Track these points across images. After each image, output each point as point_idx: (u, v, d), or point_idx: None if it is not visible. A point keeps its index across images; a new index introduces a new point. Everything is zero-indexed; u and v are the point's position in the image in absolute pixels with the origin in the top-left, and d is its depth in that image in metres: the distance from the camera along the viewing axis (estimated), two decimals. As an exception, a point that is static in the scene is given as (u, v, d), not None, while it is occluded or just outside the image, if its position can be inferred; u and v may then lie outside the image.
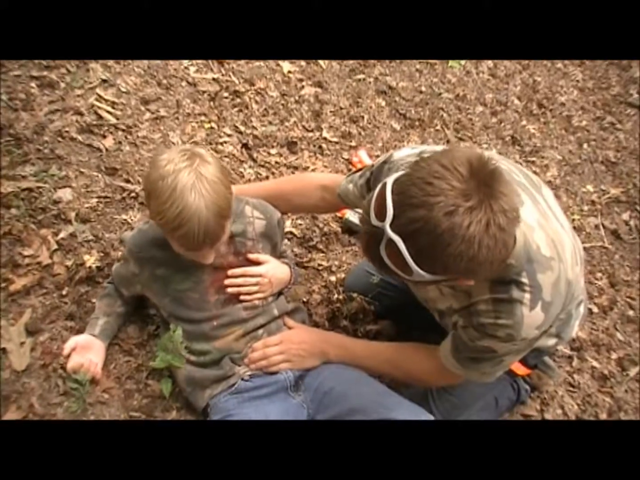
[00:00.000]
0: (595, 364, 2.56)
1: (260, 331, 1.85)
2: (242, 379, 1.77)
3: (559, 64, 4.31)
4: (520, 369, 1.95)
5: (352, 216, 2.49)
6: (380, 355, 1.85)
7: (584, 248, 3.01)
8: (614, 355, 2.64)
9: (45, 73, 2.48)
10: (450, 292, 1.63)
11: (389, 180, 1.26)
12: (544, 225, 1.48)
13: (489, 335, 1.52)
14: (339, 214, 2.54)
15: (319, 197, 1.97)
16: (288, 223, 2.39)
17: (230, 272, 1.83)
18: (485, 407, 1.99)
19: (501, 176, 1.23)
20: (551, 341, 1.86)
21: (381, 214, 1.23)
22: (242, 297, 1.83)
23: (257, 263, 1.88)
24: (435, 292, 1.71)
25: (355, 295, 2.20)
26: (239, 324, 1.82)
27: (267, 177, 2.56)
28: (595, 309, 2.82)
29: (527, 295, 1.44)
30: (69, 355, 1.78)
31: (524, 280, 1.43)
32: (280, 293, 1.97)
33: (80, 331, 1.87)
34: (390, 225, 1.21)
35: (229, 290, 1.82)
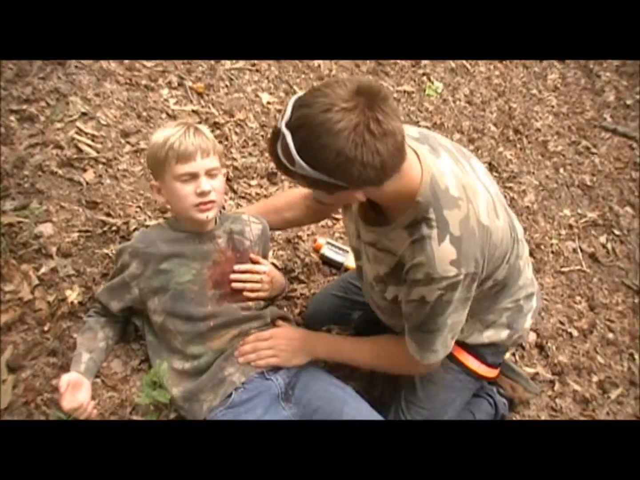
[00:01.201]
0: (576, 387, 2.58)
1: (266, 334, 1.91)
2: (236, 389, 1.80)
3: (534, 90, 4.39)
4: (482, 368, 1.98)
5: (328, 251, 2.57)
6: (363, 347, 1.92)
7: (562, 272, 3.07)
8: (595, 378, 2.67)
9: (24, 107, 2.46)
10: (376, 254, 1.72)
11: (296, 94, 1.42)
12: (458, 174, 1.58)
13: (412, 281, 1.58)
14: (315, 248, 2.59)
15: (303, 206, 2.12)
16: (270, 254, 2.41)
17: (236, 267, 1.93)
18: None
19: (387, 99, 1.35)
20: (503, 333, 1.92)
21: (282, 116, 1.39)
22: (245, 293, 1.92)
23: (256, 263, 1.99)
24: (365, 261, 1.80)
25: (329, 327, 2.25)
26: (234, 324, 1.88)
27: (247, 209, 2.55)
28: (575, 333, 2.85)
29: (434, 231, 1.52)
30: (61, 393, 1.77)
31: (431, 216, 1.52)
32: (273, 299, 2.07)
33: (62, 367, 1.86)
34: (285, 124, 1.36)
35: (234, 285, 1.91)
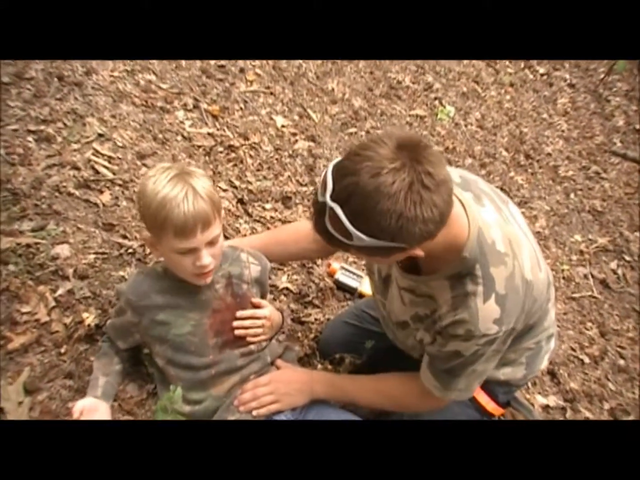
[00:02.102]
0: (588, 414, 2.58)
1: (254, 378, 1.86)
2: None
3: (544, 114, 4.41)
4: (490, 405, 1.96)
5: (342, 276, 2.57)
6: (365, 386, 1.88)
7: (574, 298, 3.07)
8: (606, 406, 2.67)
9: (42, 127, 2.49)
10: (413, 299, 1.67)
11: (332, 163, 1.35)
12: (502, 225, 1.54)
13: (451, 335, 1.55)
14: (329, 272, 2.59)
15: (311, 241, 2.02)
16: (284, 279, 2.42)
17: (239, 313, 1.86)
18: None
19: (428, 148, 1.30)
20: (520, 372, 1.89)
21: (324, 189, 1.32)
22: (248, 339, 1.87)
23: (257, 306, 1.92)
24: (398, 301, 1.75)
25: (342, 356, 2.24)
26: (235, 371, 1.84)
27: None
28: (586, 359, 2.84)
29: (480, 288, 1.48)
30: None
31: (477, 272, 1.48)
32: (271, 338, 2.01)
33: (79, 390, 1.86)
34: (330, 196, 1.30)
35: (237, 332, 1.85)
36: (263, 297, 2.00)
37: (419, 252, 1.40)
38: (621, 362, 2.91)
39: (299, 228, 2.14)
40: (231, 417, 1.79)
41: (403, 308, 1.74)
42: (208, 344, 1.82)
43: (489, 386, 1.92)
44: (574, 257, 3.39)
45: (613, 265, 3.47)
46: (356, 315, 2.26)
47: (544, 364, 1.96)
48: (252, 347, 1.88)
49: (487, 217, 1.53)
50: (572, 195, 3.84)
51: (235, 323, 1.85)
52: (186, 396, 1.80)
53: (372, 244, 1.30)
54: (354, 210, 1.27)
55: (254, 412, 1.79)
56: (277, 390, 1.82)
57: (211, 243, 1.69)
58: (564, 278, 3.22)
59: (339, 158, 1.36)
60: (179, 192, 1.59)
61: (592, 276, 3.32)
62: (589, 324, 3.04)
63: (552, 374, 2.69)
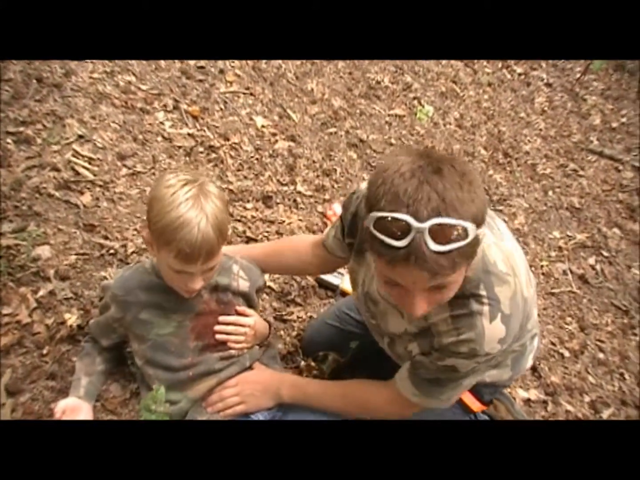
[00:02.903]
0: (569, 407, 2.60)
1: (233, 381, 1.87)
2: None
3: (522, 113, 4.45)
4: (476, 405, 1.95)
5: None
6: (332, 391, 1.86)
7: (553, 294, 3.10)
8: (586, 398, 2.69)
9: (21, 129, 2.48)
10: (408, 315, 1.65)
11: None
12: (499, 244, 1.53)
13: (452, 353, 1.53)
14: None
15: (310, 254, 2.00)
16: (266, 277, 2.42)
17: (221, 318, 1.85)
18: None
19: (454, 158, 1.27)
20: (506, 374, 1.89)
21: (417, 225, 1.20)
22: (229, 345, 1.86)
23: (242, 315, 1.91)
24: (394, 316, 1.71)
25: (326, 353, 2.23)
26: (213, 374, 1.84)
27: (243, 232, 2.58)
28: (566, 353, 2.87)
29: (486, 308, 1.46)
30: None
31: (482, 292, 1.46)
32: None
33: (61, 391, 1.86)
34: (414, 221, 1.18)
35: (218, 336, 1.84)
36: (251, 307, 1.98)
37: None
38: (601, 355, 2.94)
39: (300, 242, 2.12)
40: (200, 418, 1.80)
41: (399, 321, 1.70)
42: (188, 346, 1.82)
43: (475, 388, 1.91)
44: (553, 254, 3.42)
45: (591, 260, 3.50)
46: (337, 317, 2.25)
47: (529, 364, 1.96)
48: (232, 351, 1.88)
49: (485, 237, 1.49)
50: (550, 193, 3.87)
51: (217, 327, 1.85)
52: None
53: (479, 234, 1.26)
54: (444, 210, 1.19)
55: (221, 414, 1.81)
56: (243, 391, 1.83)
57: (207, 270, 1.69)
58: (543, 274, 3.25)
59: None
60: (193, 218, 1.56)
61: (571, 272, 3.35)
62: (568, 319, 3.07)
63: (533, 368, 2.71)
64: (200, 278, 1.69)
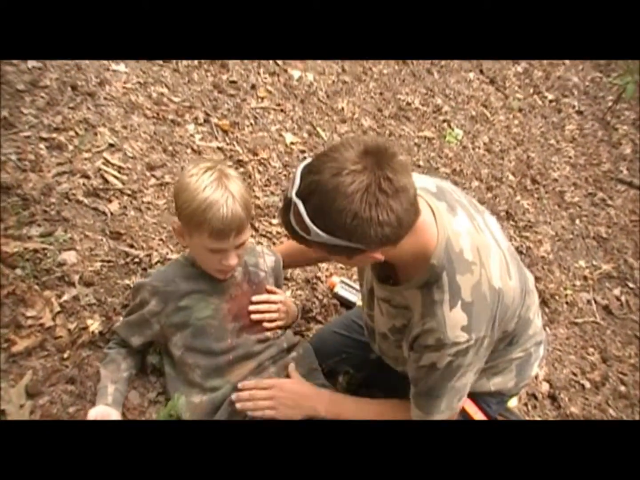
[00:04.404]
0: (587, 440, 2.56)
1: (270, 364, 1.93)
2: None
3: (552, 140, 4.43)
4: (478, 415, 1.94)
5: (341, 290, 2.59)
6: (368, 409, 1.88)
7: (576, 323, 3.07)
8: (606, 432, 2.65)
9: (54, 135, 2.51)
10: (389, 310, 1.70)
11: (303, 162, 1.41)
12: (473, 234, 1.57)
13: (423, 347, 1.56)
14: (329, 286, 2.61)
15: None
16: (288, 293, 2.43)
17: (254, 298, 1.96)
18: None
19: (394, 156, 1.34)
20: (511, 381, 1.90)
21: (291, 185, 1.37)
22: (264, 324, 1.95)
23: (273, 293, 2.02)
24: (377, 312, 1.78)
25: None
26: (252, 357, 1.90)
27: (268, 247, 2.56)
28: (587, 384, 2.84)
29: (446, 296, 1.51)
30: None
31: (444, 280, 1.51)
32: (287, 327, 2.08)
33: (80, 395, 1.87)
34: (295, 193, 1.35)
35: (253, 316, 1.93)
36: (278, 287, 2.10)
37: (378, 255, 1.42)
38: (622, 388, 2.90)
39: None
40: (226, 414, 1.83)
41: (382, 319, 1.76)
42: (227, 328, 1.89)
43: (481, 399, 1.92)
44: (578, 283, 3.39)
45: (616, 291, 3.47)
46: (345, 325, 2.27)
47: (534, 371, 1.97)
48: (268, 334, 1.96)
49: (458, 226, 1.56)
50: (577, 221, 3.85)
51: (251, 307, 1.94)
52: (204, 384, 1.85)
53: (329, 241, 1.35)
54: (314, 207, 1.32)
55: (249, 413, 1.81)
56: (277, 397, 1.82)
57: (240, 246, 1.80)
58: (567, 303, 3.22)
59: (310, 158, 1.42)
60: (220, 197, 1.70)
61: (595, 302, 3.32)
62: (590, 350, 3.04)
63: (552, 397, 2.68)
64: (234, 254, 1.80)
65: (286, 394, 1.84)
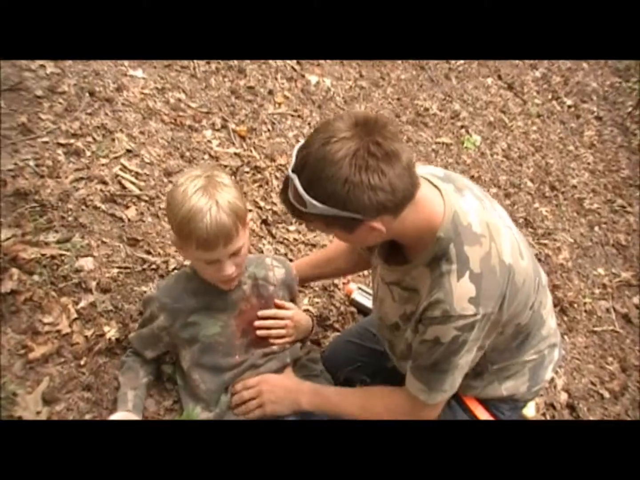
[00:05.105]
0: (607, 451, 2.53)
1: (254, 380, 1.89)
2: None
3: (570, 146, 4.40)
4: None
5: (358, 296, 2.58)
6: (351, 397, 1.87)
7: (595, 332, 3.04)
8: (625, 443, 2.62)
9: (72, 141, 2.51)
10: (401, 293, 1.68)
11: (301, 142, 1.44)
12: (481, 213, 1.56)
13: (429, 319, 1.54)
14: (346, 292, 2.61)
15: (348, 253, 2.13)
16: (305, 301, 2.42)
17: (260, 313, 1.91)
18: None
19: (385, 125, 1.36)
20: (523, 386, 1.86)
21: (290, 164, 1.42)
22: (271, 340, 1.92)
23: (281, 308, 1.97)
24: (389, 299, 1.76)
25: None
26: (254, 369, 1.88)
27: (285, 254, 2.59)
28: (606, 394, 2.81)
29: (454, 266, 1.50)
30: None
31: (452, 251, 1.50)
32: (297, 342, 2.04)
33: (96, 402, 1.87)
34: (291, 169, 1.40)
35: (259, 332, 1.90)
36: (292, 300, 2.06)
37: (378, 226, 1.41)
38: (641, 398, 2.88)
39: (339, 243, 2.19)
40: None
41: (394, 305, 1.74)
42: (235, 344, 1.87)
43: (492, 405, 1.89)
44: (597, 291, 3.36)
45: (636, 300, 3.43)
46: (359, 334, 2.26)
47: (548, 375, 1.93)
48: (275, 347, 1.93)
49: (466, 205, 1.55)
50: (596, 228, 3.82)
51: (257, 322, 1.91)
52: (209, 400, 1.85)
53: (325, 211, 1.36)
54: (307, 178, 1.36)
55: (242, 416, 1.83)
56: (262, 394, 1.84)
57: (234, 254, 1.73)
58: (585, 311, 3.19)
59: None
60: (204, 205, 1.62)
61: (615, 310, 3.29)
62: (609, 359, 3.01)
63: (571, 407, 2.66)
64: (231, 263, 1.73)
65: (270, 387, 1.85)
